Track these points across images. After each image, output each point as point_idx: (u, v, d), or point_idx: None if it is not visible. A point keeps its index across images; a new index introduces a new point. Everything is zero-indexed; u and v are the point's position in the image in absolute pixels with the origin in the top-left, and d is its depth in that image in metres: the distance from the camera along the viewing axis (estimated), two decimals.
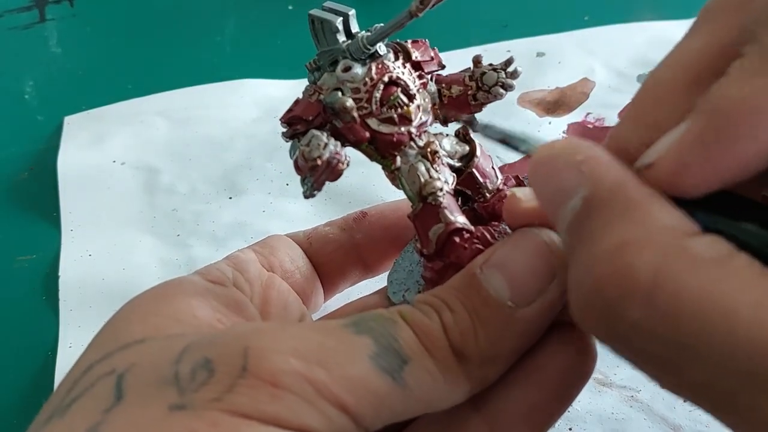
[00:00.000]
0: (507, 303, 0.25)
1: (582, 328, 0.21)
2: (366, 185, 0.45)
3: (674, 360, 0.19)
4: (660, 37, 0.57)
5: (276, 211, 0.46)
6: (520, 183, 0.31)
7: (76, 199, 0.47)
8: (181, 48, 0.61)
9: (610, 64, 0.55)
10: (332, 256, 0.34)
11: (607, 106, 0.52)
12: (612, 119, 0.51)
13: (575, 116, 0.51)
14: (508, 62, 0.30)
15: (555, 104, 0.52)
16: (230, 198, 0.47)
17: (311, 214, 0.45)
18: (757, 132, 0.19)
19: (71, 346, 0.39)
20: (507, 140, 0.27)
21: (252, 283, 0.30)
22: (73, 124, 0.53)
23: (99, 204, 0.47)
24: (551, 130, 0.50)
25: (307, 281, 0.33)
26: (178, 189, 0.48)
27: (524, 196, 0.26)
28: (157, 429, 0.21)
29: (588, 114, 0.51)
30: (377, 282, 0.35)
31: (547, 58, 0.56)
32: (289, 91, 0.55)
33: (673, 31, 0.58)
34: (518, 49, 0.57)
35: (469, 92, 0.30)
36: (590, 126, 0.50)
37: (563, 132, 0.50)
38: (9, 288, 0.43)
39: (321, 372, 0.22)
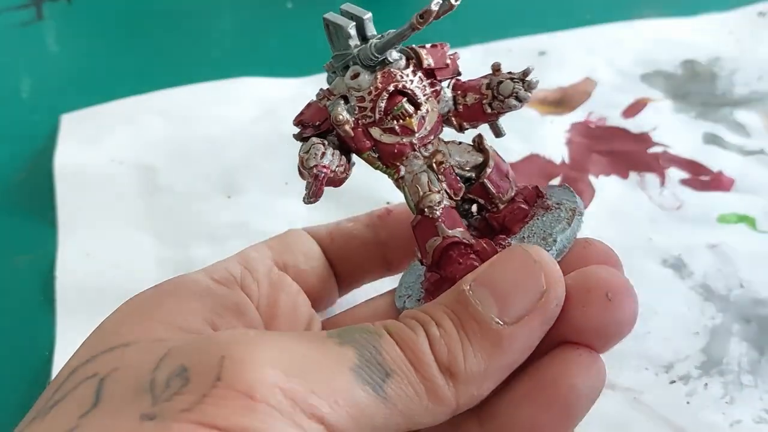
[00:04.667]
0: (495, 320, 0.24)
1: None
2: (366, 185, 0.45)
3: None
4: (663, 36, 0.57)
5: (275, 210, 0.45)
6: (539, 194, 0.31)
7: (73, 198, 0.47)
8: (179, 46, 0.60)
9: (612, 63, 0.55)
10: (355, 253, 0.33)
11: (609, 105, 0.51)
12: (615, 119, 0.50)
13: (577, 115, 0.51)
14: (526, 72, 0.29)
15: (557, 103, 0.52)
16: (229, 197, 0.46)
17: (311, 213, 0.44)
18: None
19: (68, 347, 0.38)
20: None
21: (260, 284, 0.30)
22: (70, 123, 0.52)
23: (96, 203, 0.46)
24: (554, 129, 0.50)
25: (320, 281, 0.32)
26: (176, 188, 0.47)
27: None
28: None
29: (590, 113, 0.51)
30: (391, 279, 0.35)
31: (549, 57, 0.55)
32: (288, 89, 0.54)
33: (676, 29, 0.58)
34: (520, 48, 0.56)
35: (485, 101, 0.29)
36: (592, 125, 0.50)
37: (566, 131, 0.50)
38: (6, 288, 0.43)
39: (299, 383, 0.22)
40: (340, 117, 0.28)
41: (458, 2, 0.26)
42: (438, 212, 0.28)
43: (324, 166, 0.28)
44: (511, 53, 0.56)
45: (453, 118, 0.30)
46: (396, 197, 0.43)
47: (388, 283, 0.36)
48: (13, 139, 0.52)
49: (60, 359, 0.38)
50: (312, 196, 0.28)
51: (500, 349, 0.25)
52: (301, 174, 0.28)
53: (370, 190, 0.45)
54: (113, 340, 0.25)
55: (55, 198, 0.47)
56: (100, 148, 0.50)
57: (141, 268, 0.42)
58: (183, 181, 0.48)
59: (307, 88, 0.54)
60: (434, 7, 0.26)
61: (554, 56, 0.55)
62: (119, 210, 0.46)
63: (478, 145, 0.30)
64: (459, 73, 0.30)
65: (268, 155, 0.49)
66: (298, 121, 0.30)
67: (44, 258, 0.44)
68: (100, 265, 0.43)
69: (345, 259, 0.33)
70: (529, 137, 0.49)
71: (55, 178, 0.48)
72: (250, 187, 0.47)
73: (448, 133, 0.30)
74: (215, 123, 0.52)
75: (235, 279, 0.29)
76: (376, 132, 0.29)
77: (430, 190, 0.28)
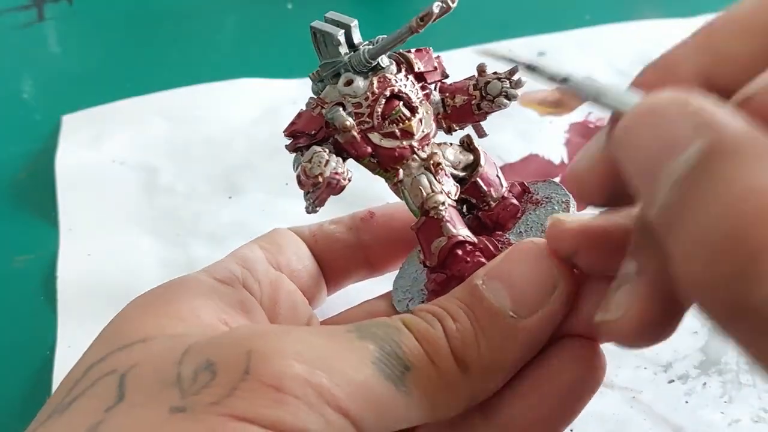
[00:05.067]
0: (509, 314, 0.25)
1: (694, 297, 0.18)
2: (368, 185, 0.45)
3: None
4: (662, 36, 0.56)
5: (276, 210, 0.45)
6: (525, 189, 0.31)
7: (74, 198, 0.47)
8: (180, 47, 0.61)
9: (611, 63, 0.55)
10: (338, 255, 0.33)
11: None
12: None
13: (576, 116, 0.51)
14: (513, 71, 0.30)
15: (556, 104, 0.52)
16: (230, 197, 0.47)
17: (311, 214, 0.45)
18: None
19: (70, 347, 0.39)
20: (570, 80, 0.23)
21: (261, 283, 0.30)
22: (72, 124, 0.52)
23: (98, 204, 0.47)
24: (553, 129, 0.50)
25: (313, 280, 0.33)
26: (177, 188, 0.47)
27: (567, 218, 0.25)
28: (156, 431, 0.21)
29: (589, 114, 0.51)
30: (382, 279, 0.35)
31: (548, 58, 0.56)
32: (289, 90, 0.54)
33: (675, 29, 0.57)
34: (519, 49, 0.56)
35: (473, 102, 0.30)
36: (591, 126, 0.50)
37: (565, 132, 0.50)
38: (7, 288, 0.43)
39: (323, 376, 0.22)
40: (348, 123, 0.28)
41: (455, 4, 0.27)
42: (444, 213, 0.28)
43: (336, 173, 0.28)
44: (511, 54, 0.56)
45: (442, 120, 0.30)
46: (393, 197, 0.43)
47: (379, 284, 0.36)
48: (14, 139, 0.53)
49: (61, 359, 0.38)
50: (318, 204, 0.28)
51: (514, 342, 0.25)
52: (301, 184, 0.28)
53: (369, 192, 0.45)
54: (127, 337, 0.25)
55: (57, 198, 0.47)
56: (102, 149, 0.50)
57: (142, 268, 0.42)
58: (184, 181, 0.48)
59: (307, 89, 0.54)
60: (436, 10, 0.27)
61: (553, 57, 0.56)
62: (120, 210, 0.46)
63: (468, 145, 0.31)
64: (446, 75, 0.31)
65: (268, 156, 0.49)
66: (291, 132, 0.30)
67: (45, 258, 0.44)
68: (101, 265, 0.43)
69: (328, 261, 0.33)
70: (528, 137, 0.49)
71: (56, 179, 0.48)
72: (250, 188, 0.47)
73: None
74: (216, 124, 0.52)
75: (237, 278, 0.29)
76: (375, 137, 0.29)
77: (433, 191, 0.28)
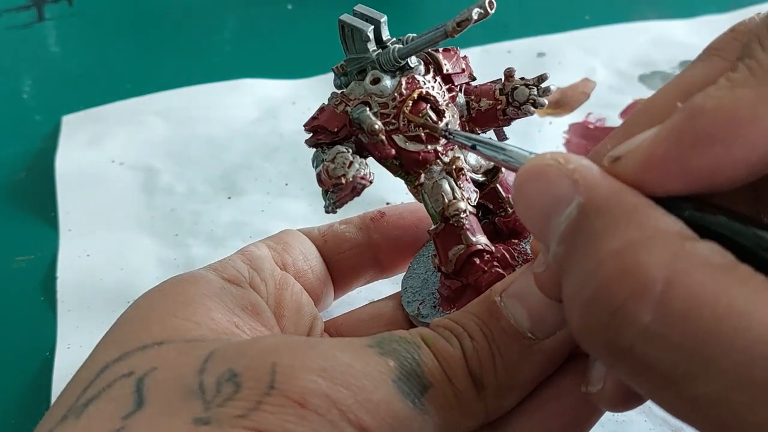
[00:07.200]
0: (527, 334, 0.25)
1: (580, 341, 0.20)
2: (376, 186, 0.45)
3: (682, 370, 0.18)
4: (662, 37, 0.57)
5: (275, 210, 0.45)
6: None
7: (74, 199, 0.47)
8: (180, 47, 0.61)
9: (611, 64, 0.55)
10: (347, 255, 0.33)
11: (608, 106, 0.51)
12: (613, 119, 0.51)
13: (576, 116, 0.51)
14: (542, 78, 0.29)
15: (556, 104, 0.52)
16: (229, 198, 0.47)
17: (310, 214, 0.45)
18: (732, 140, 0.19)
19: (69, 347, 0.39)
20: (479, 146, 0.25)
21: (267, 283, 0.30)
22: (72, 124, 0.53)
23: (97, 204, 0.47)
24: (552, 130, 0.50)
25: (319, 280, 0.33)
26: (176, 189, 0.47)
27: None
28: None
29: (589, 114, 0.51)
30: (388, 281, 0.35)
31: (548, 58, 0.56)
32: (289, 91, 0.54)
33: (674, 30, 0.58)
34: (519, 50, 0.56)
35: (499, 107, 0.29)
36: (591, 126, 0.50)
37: (565, 132, 0.50)
38: (7, 288, 0.43)
39: (346, 394, 0.22)
40: (377, 127, 0.27)
41: (493, 10, 0.26)
42: (465, 221, 0.28)
43: (362, 178, 0.27)
44: (510, 54, 0.56)
45: (466, 123, 0.30)
46: (395, 198, 0.43)
47: (384, 284, 0.36)
48: (14, 139, 0.53)
49: (61, 359, 0.38)
50: (339, 206, 0.28)
51: (531, 363, 0.25)
52: (321, 182, 0.28)
53: (370, 193, 0.45)
54: (144, 337, 0.25)
55: (56, 199, 0.47)
56: (101, 149, 0.50)
57: (141, 268, 0.42)
58: (183, 181, 0.48)
59: (306, 90, 0.54)
60: (474, 16, 0.26)
61: (553, 57, 0.56)
62: (120, 211, 0.46)
63: None
64: (474, 78, 0.30)
65: (268, 156, 0.49)
66: (312, 126, 0.29)
67: (45, 258, 0.44)
68: (101, 265, 0.43)
69: (338, 261, 0.33)
70: (527, 138, 0.49)
71: (56, 179, 0.48)
72: (250, 188, 0.47)
73: None
74: (215, 124, 0.52)
75: (245, 278, 0.29)
76: (400, 140, 0.28)
77: (454, 198, 0.28)
